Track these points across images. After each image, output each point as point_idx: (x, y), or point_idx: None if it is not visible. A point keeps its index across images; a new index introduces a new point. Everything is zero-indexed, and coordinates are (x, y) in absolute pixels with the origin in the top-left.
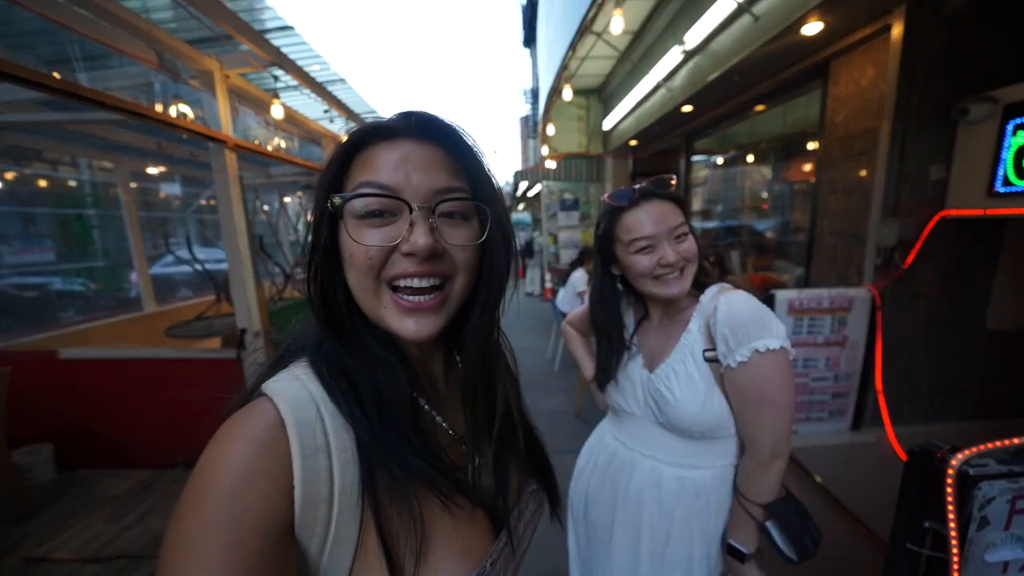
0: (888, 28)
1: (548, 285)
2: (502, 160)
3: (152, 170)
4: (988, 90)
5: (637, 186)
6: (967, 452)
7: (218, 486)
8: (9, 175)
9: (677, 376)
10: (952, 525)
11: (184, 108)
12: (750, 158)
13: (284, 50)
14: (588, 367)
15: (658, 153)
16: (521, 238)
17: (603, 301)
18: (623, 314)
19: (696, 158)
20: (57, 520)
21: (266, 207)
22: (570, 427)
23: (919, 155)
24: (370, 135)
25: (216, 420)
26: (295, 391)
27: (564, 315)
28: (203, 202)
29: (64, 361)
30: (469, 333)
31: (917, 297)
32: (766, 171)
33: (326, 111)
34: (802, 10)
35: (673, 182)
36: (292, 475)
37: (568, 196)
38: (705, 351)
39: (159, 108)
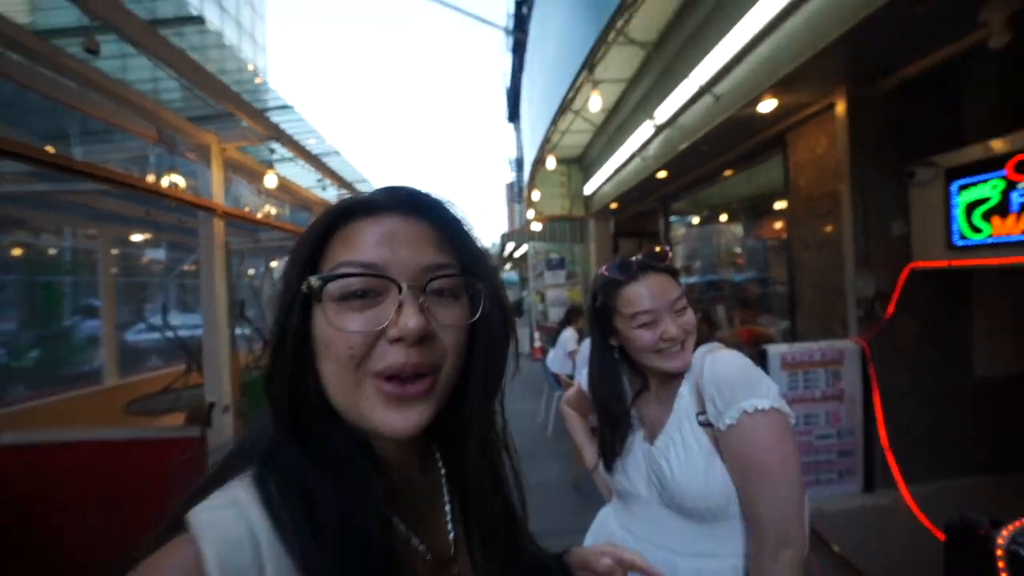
0: (833, 105)
1: (537, 344)
2: (489, 223)
3: (137, 237)
4: (930, 155)
5: (634, 259)
6: (1012, 527)
7: None
8: None
9: (675, 446)
10: None
11: (177, 178)
12: (723, 217)
13: (282, 126)
14: (589, 454)
15: (637, 215)
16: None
17: (604, 373)
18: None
19: (673, 218)
20: None
21: (251, 271)
22: (566, 500)
23: (879, 212)
24: (351, 211)
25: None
26: (228, 525)
27: (555, 376)
28: (186, 267)
29: (4, 448)
30: (465, 428)
31: (899, 349)
32: (738, 229)
33: (319, 180)
34: (756, 91)
35: (668, 255)
36: None
37: (554, 256)
38: (699, 415)
39: (151, 178)
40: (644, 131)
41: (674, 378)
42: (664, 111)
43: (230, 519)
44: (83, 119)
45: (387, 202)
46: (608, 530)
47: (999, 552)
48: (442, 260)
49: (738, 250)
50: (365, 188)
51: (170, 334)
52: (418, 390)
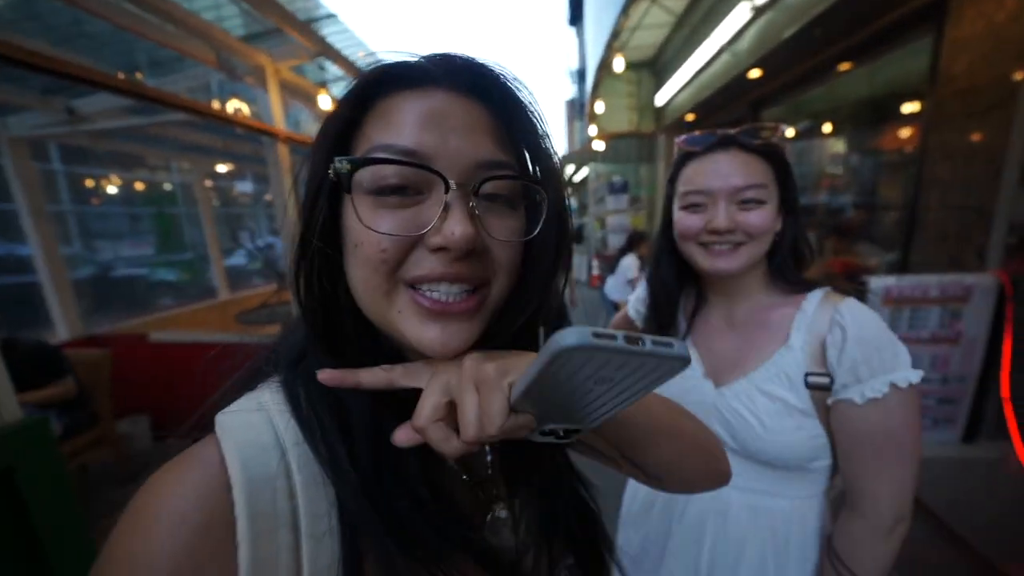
0: None
1: (595, 272)
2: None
3: (221, 168)
4: None
5: (722, 131)
6: None
7: (138, 562)
8: (116, 180)
9: (767, 398)
10: None
11: (238, 104)
12: (827, 127)
13: (329, 39)
14: None
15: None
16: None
17: (658, 267)
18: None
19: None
20: None
21: None
22: None
23: None
24: (394, 79)
25: None
26: (252, 430)
27: (614, 303)
28: (267, 197)
29: (153, 344)
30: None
31: None
32: (845, 142)
33: None
34: None
35: (779, 131)
36: (237, 565)
37: (617, 179)
38: (808, 375)
39: (215, 105)
40: (738, 17)
41: (759, 308)
42: None
43: (255, 424)
44: (148, 49)
45: (439, 73)
46: None
47: None
48: (501, 157)
49: (839, 169)
50: None
51: (258, 258)
52: (463, 307)
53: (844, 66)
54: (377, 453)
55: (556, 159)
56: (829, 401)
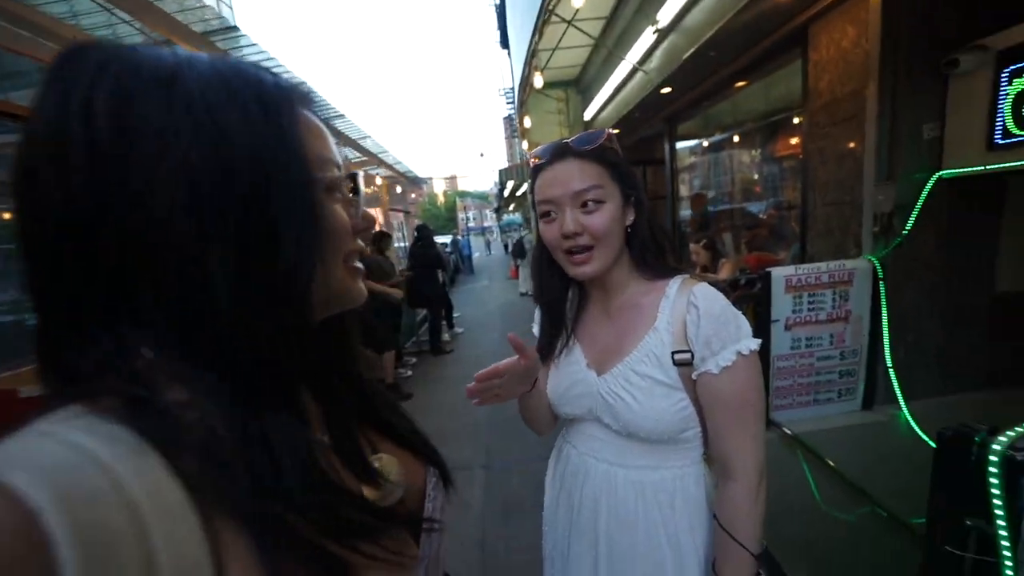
0: None
1: None
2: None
3: None
4: (977, 39)
5: (557, 142)
6: (1013, 434)
7: None
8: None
9: (639, 377)
10: (1001, 523)
11: None
12: (735, 139)
13: (234, 53)
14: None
15: (642, 140)
16: (512, 238)
17: (538, 268)
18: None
19: (681, 144)
20: None
21: None
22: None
23: (910, 114)
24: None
25: None
26: (45, 454)
27: None
28: None
29: (26, 399)
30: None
31: (919, 263)
32: (754, 151)
33: None
34: None
35: (606, 135)
36: None
37: None
38: (675, 353)
39: None
40: (645, 39)
41: (628, 297)
42: (667, 11)
43: (48, 448)
44: (11, 60)
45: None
46: (558, 445)
47: (992, 458)
48: None
49: (753, 175)
50: (342, 125)
51: None
52: None
53: (740, 84)
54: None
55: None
56: (694, 376)
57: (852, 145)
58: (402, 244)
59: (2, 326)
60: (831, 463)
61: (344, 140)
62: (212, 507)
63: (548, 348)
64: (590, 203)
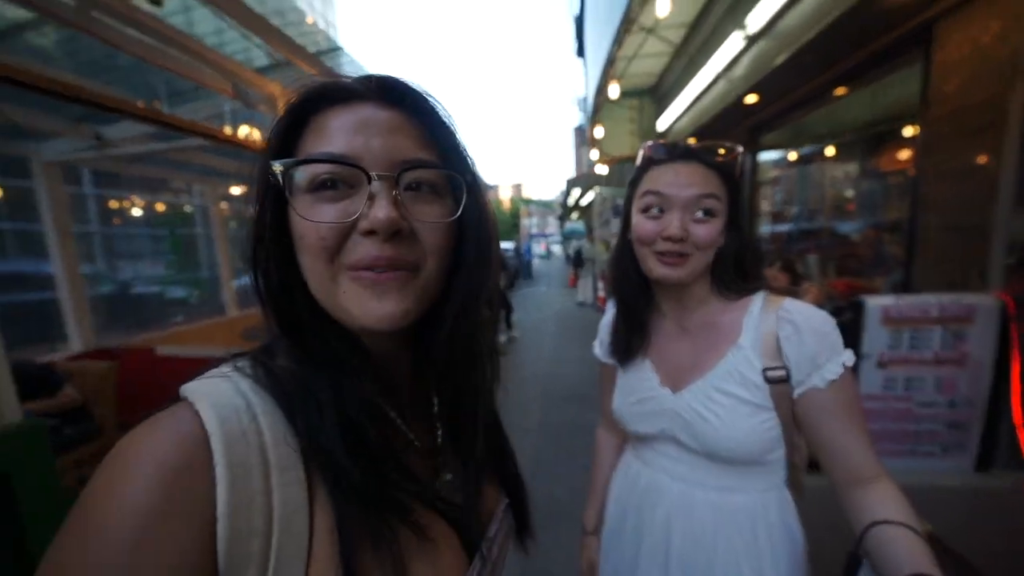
0: None
1: (601, 294)
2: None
3: (235, 190)
4: None
5: (684, 144)
6: None
7: (112, 531)
8: (139, 202)
9: (723, 395)
10: None
11: (249, 129)
12: (829, 151)
13: (336, 70)
14: (590, 515)
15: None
16: (574, 247)
17: (619, 261)
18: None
19: (764, 156)
20: None
21: None
22: None
23: None
24: (324, 98)
25: None
26: (224, 394)
27: None
28: None
29: (159, 357)
30: (451, 332)
31: None
32: (850, 165)
33: None
34: None
35: (735, 153)
36: (215, 505)
37: (620, 201)
38: (767, 370)
39: (227, 130)
40: (732, 45)
41: (708, 315)
42: (758, 16)
43: (226, 389)
44: (167, 79)
45: (362, 89)
46: (627, 460)
47: None
48: (420, 154)
49: (847, 192)
50: None
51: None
52: (392, 277)
53: (839, 91)
54: (339, 418)
55: (470, 156)
56: (794, 394)
57: (982, 160)
58: None
59: (148, 297)
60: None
61: None
62: (309, 461)
63: (625, 352)
64: (703, 212)
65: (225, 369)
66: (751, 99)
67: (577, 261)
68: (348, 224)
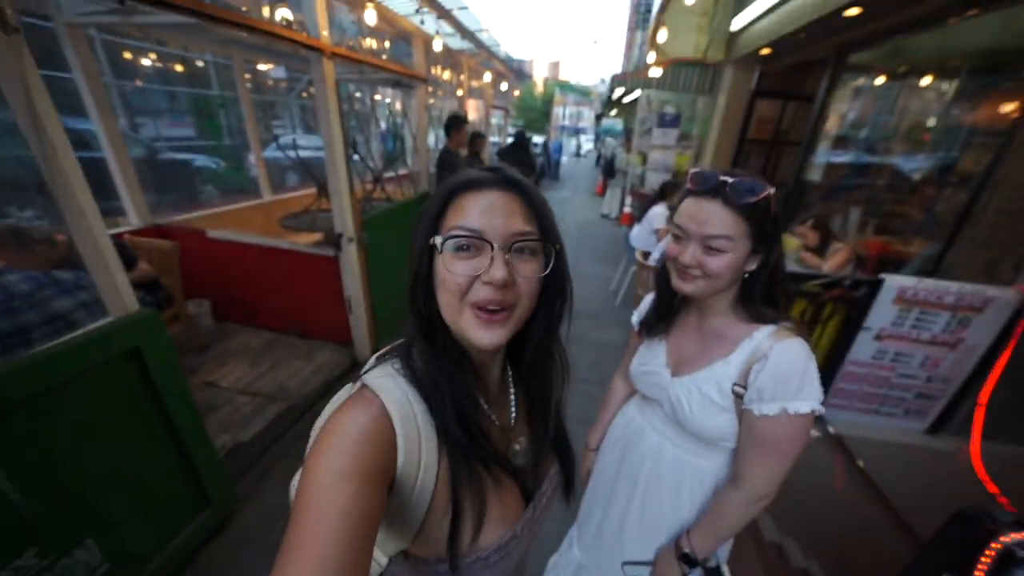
0: None
1: (627, 209)
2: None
3: (262, 66)
4: None
5: (721, 177)
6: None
7: (351, 438)
8: (152, 55)
9: (697, 392)
10: None
11: (286, 12)
12: (925, 80)
13: None
14: (594, 434)
15: (794, 67)
16: (609, 149)
17: (664, 264)
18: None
19: (848, 76)
20: (218, 358)
21: (358, 93)
22: (619, 359)
23: None
24: (463, 187)
25: (318, 305)
26: (393, 390)
27: (635, 251)
28: (303, 95)
29: (210, 240)
30: (534, 348)
31: None
32: (943, 97)
33: (417, 10)
34: None
35: (766, 194)
36: (397, 454)
37: (669, 109)
38: (735, 385)
39: (266, 11)
40: None
41: (723, 323)
42: None
43: (393, 387)
44: None
45: (490, 181)
46: (632, 403)
47: (994, 545)
48: (526, 228)
49: (927, 121)
50: (463, 17)
51: (298, 158)
52: (499, 318)
53: (970, 12)
54: (457, 407)
55: (557, 228)
56: (742, 407)
57: None
58: (496, 140)
59: (179, 164)
60: (861, 463)
61: (463, 33)
62: (440, 434)
63: (651, 329)
64: (715, 249)
65: (387, 368)
66: (852, 12)
67: (608, 170)
68: (475, 276)
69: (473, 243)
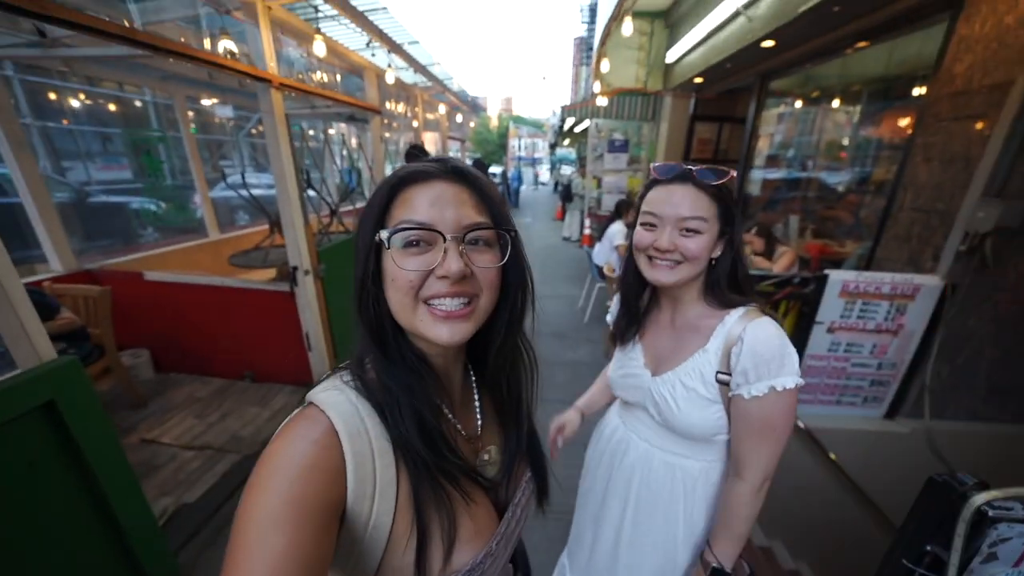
0: None
1: (587, 232)
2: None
3: (206, 101)
4: None
5: (685, 165)
6: (994, 493)
7: (286, 472)
8: (82, 95)
9: (684, 388)
10: (956, 555)
11: (230, 44)
12: (835, 103)
13: None
14: (584, 397)
15: (725, 93)
16: (564, 177)
17: (627, 268)
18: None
19: (771, 100)
20: (159, 412)
21: (311, 131)
22: (591, 376)
23: None
24: (409, 179)
25: (274, 345)
26: (341, 403)
27: (599, 268)
28: (253, 131)
29: (148, 282)
30: (499, 343)
31: (1001, 290)
32: (852, 118)
33: (368, 43)
34: None
35: (728, 176)
36: (347, 477)
37: (618, 136)
38: (718, 373)
39: (207, 43)
40: None
41: (694, 315)
42: None
43: (342, 400)
44: None
45: (436, 172)
46: (611, 414)
47: (967, 510)
48: (479, 218)
49: (843, 140)
50: (415, 51)
51: (250, 197)
52: (461, 313)
53: (861, 44)
54: (414, 419)
55: (511, 217)
56: (729, 395)
57: (969, 147)
58: None
59: (114, 208)
60: (832, 456)
61: (416, 67)
62: (396, 448)
63: (622, 335)
64: (691, 231)
65: (336, 381)
66: (768, 44)
67: (566, 195)
68: (429, 270)
69: (423, 236)
